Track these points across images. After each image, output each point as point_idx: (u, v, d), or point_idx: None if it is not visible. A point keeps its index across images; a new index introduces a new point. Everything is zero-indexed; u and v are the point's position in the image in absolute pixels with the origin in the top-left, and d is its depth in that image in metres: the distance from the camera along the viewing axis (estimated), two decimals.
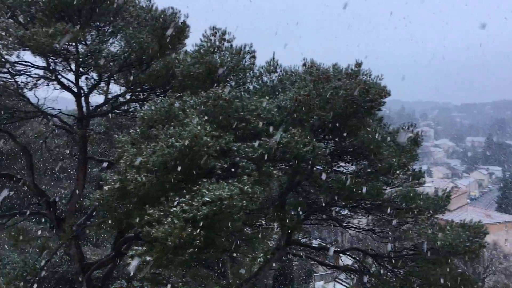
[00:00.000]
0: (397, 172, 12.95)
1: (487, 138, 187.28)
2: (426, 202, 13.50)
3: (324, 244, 24.08)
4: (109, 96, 15.63)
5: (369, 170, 13.04)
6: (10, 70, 13.28)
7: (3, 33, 11.75)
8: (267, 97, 11.57)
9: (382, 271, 14.19)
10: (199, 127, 9.18)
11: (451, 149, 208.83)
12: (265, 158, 10.00)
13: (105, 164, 16.83)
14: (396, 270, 13.81)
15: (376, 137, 12.48)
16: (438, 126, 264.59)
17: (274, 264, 15.51)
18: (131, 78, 14.32)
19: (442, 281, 11.87)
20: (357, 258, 15.86)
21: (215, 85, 11.03)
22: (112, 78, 14.98)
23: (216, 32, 11.97)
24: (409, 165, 13.03)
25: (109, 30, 14.20)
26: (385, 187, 13.23)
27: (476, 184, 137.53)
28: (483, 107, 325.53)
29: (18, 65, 13.27)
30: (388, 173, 12.70)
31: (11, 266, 23.43)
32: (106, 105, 15.83)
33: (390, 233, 14.99)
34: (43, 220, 26.77)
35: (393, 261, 13.87)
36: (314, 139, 10.80)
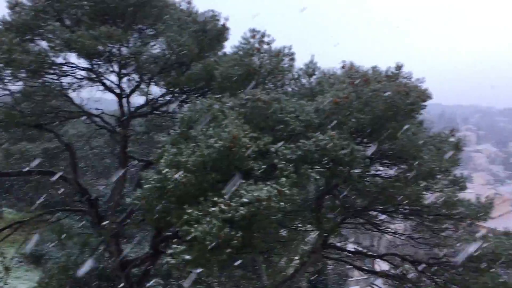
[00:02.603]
0: (438, 177, 12.65)
1: None
2: (467, 208, 13.15)
3: (361, 249, 23.77)
4: (150, 98, 15.98)
5: (408, 174, 12.79)
6: (57, 71, 13.79)
7: (51, 36, 12.23)
8: (305, 99, 11.58)
9: (420, 278, 13.90)
10: (238, 129, 9.28)
11: (494, 155, 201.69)
12: (303, 160, 9.99)
13: (143, 164, 17.23)
14: (435, 277, 13.49)
15: (417, 141, 12.26)
16: (480, 130, 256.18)
17: (309, 267, 15.45)
18: (171, 79, 14.61)
19: None
20: (395, 263, 15.59)
21: (254, 87, 11.12)
22: (153, 80, 15.31)
23: (255, 34, 12.05)
24: (450, 170, 12.71)
25: (151, 33, 14.55)
26: (425, 192, 12.96)
27: None
28: None
29: (64, 66, 13.76)
30: (428, 178, 12.42)
31: (54, 261, 24.29)
32: (147, 106, 16.20)
33: (429, 239, 14.66)
34: (84, 217, 27.61)
35: (432, 268, 13.56)
36: (353, 142, 10.72)
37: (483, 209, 13.52)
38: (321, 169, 11.68)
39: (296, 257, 18.37)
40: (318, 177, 11.68)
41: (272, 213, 8.48)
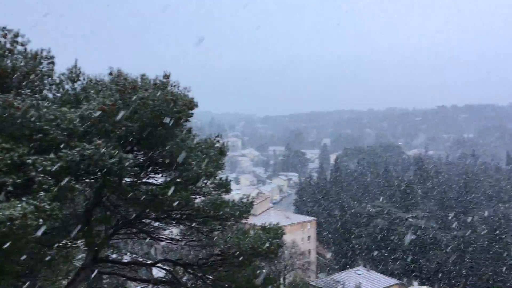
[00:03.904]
0: (205, 181, 13.36)
1: (285, 147, 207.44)
2: (232, 208, 14.25)
3: (136, 258, 23.43)
4: None
5: (178, 180, 13.16)
6: None
7: None
8: (68, 106, 10.80)
9: (192, 280, 14.43)
10: None
11: (256, 158, 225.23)
12: (67, 171, 9.29)
13: None
14: (205, 277, 14.19)
15: (185, 147, 12.70)
16: (244, 136, 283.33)
17: (79, 285, 14.46)
18: None
19: (246, 282, 12.62)
20: (168, 269, 15.84)
21: (6, 92, 9.85)
22: None
23: (6, 34, 10.68)
24: (216, 174, 13.56)
25: None
26: (194, 196, 13.52)
27: (278, 189, 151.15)
28: (282, 119, 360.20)
29: None
30: (196, 183, 13.01)
31: None
32: None
33: (199, 241, 15.35)
34: None
35: (202, 268, 14.23)
36: (121, 151, 10.46)
37: (246, 208, 14.85)
38: (88, 180, 11.09)
39: (65, 276, 16.99)
40: (85, 188, 11.07)
41: (29, 232, 7.60)
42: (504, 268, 56.52)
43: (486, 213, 70.11)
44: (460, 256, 59.90)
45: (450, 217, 71.34)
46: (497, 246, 58.95)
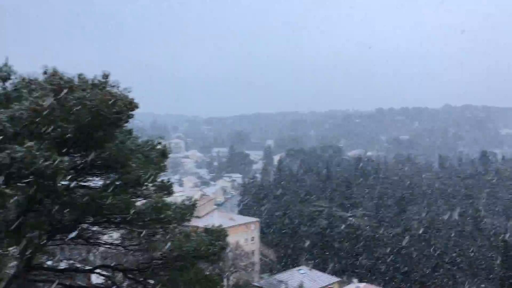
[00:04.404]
0: (146, 183, 13.08)
1: (229, 148, 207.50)
2: (174, 211, 14.01)
3: (73, 265, 22.54)
4: None
5: (118, 183, 12.80)
6: None
7: None
8: None
9: (133, 285, 14.07)
10: None
11: (200, 160, 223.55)
12: None
13: None
14: (146, 281, 13.88)
15: (125, 149, 12.37)
16: (188, 138, 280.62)
17: None
18: None
19: (189, 285, 12.46)
20: (107, 275, 15.35)
21: None
22: None
23: None
24: (157, 176, 13.31)
25: None
26: (134, 199, 13.19)
27: (222, 190, 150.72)
28: (226, 120, 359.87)
29: None
30: (136, 185, 12.71)
31: None
32: None
33: (140, 245, 14.98)
34: None
35: (144, 273, 13.91)
36: (55, 153, 10.01)
37: (188, 211, 14.65)
38: (20, 184, 10.54)
39: None
40: (17, 193, 10.52)
41: None
42: (436, 264, 59.63)
43: (419, 212, 73.60)
44: (397, 254, 62.50)
45: (387, 216, 74.26)
46: (431, 244, 62.06)
